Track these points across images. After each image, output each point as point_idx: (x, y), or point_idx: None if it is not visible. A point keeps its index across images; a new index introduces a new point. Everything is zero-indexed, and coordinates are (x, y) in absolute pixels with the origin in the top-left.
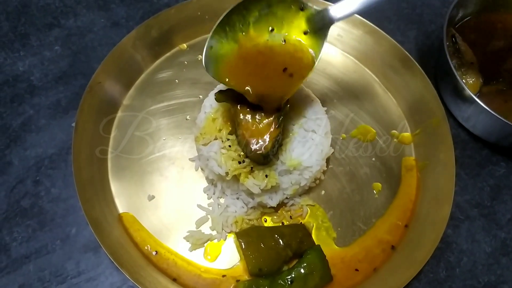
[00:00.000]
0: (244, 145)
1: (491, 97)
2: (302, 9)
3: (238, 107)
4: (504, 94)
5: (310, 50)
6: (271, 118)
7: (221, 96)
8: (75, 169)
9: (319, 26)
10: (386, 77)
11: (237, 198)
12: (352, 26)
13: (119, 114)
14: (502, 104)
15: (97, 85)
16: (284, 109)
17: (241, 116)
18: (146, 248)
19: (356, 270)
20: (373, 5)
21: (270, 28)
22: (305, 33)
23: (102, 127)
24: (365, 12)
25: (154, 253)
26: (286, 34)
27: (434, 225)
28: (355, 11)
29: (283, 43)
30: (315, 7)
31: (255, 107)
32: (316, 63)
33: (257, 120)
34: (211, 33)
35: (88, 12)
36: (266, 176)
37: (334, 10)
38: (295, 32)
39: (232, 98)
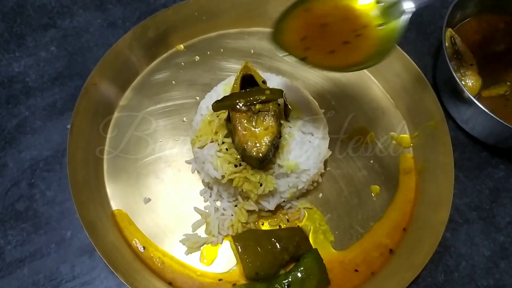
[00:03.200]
0: (240, 149)
1: (491, 100)
2: (378, 2)
3: (234, 110)
4: (504, 98)
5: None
6: (268, 122)
7: (218, 106)
8: (70, 172)
9: (395, 17)
10: (384, 78)
11: (234, 201)
12: None
13: (117, 114)
14: (502, 108)
15: (93, 86)
16: (282, 111)
17: (237, 120)
18: (133, 242)
19: (356, 270)
20: None
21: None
22: (380, 25)
23: (102, 127)
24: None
25: (141, 249)
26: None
27: (432, 228)
28: (428, 1)
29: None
30: None
31: (252, 103)
32: (391, 51)
33: (253, 124)
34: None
35: (84, 12)
36: (261, 184)
37: (408, 2)
38: (370, 25)
39: (229, 106)
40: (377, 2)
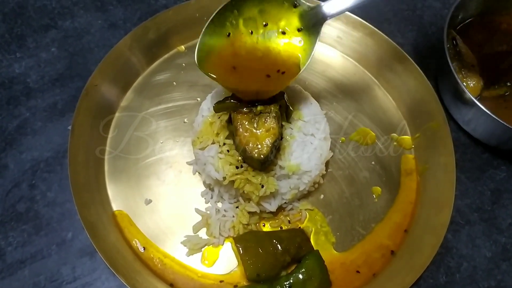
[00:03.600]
0: (241, 150)
1: (492, 101)
2: (295, 6)
3: (236, 112)
4: (504, 99)
5: (299, 43)
6: (269, 124)
7: (219, 107)
8: (71, 173)
9: (313, 23)
10: (386, 79)
11: (235, 203)
12: (352, 28)
13: (118, 114)
14: (503, 109)
15: (93, 87)
16: (283, 112)
17: (239, 122)
18: (134, 242)
19: (357, 272)
20: (366, 2)
21: (264, 23)
22: (299, 30)
23: (102, 127)
24: (361, 12)
25: (142, 249)
26: (280, 30)
27: (434, 229)
28: (347, 8)
29: (276, 40)
30: (308, 3)
31: (253, 104)
32: (308, 60)
33: (254, 125)
34: (202, 32)
35: (85, 13)
36: (262, 186)
37: (327, 7)
38: (289, 28)
39: (230, 108)
40: (294, 6)
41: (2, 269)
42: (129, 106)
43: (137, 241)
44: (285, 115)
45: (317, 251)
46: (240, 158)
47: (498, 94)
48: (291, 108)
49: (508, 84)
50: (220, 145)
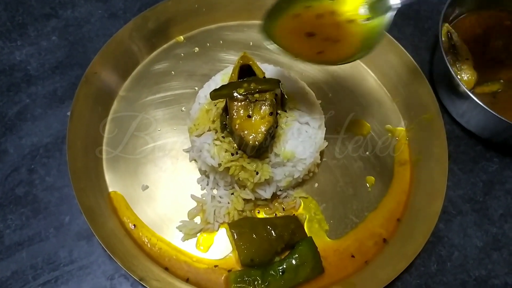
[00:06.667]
0: (236, 137)
1: (482, 98)
2: None
3: (232, 99)
4: (494, 95)
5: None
6: (265, 111)
7: (216, 94)
8: (69, 159)
9: (381, 12)
10: (381, 72)
11: (230, 190)
12: None
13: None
14: (489, 105)
15: (93, 75)
16: (279, 101)
17: (234, 109)
18: (125, 219)
19: (352, 256)
20: None
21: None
22: (368, 19)
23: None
24: None
25: (132, 226)
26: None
27: (426, 219)
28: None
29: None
30: None
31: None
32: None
33: (250, 113)
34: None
35: (86, 3)
36: (257, 173)
37: None
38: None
39: (227, 95)
40: None
41: (1, 251)
42: (128, 94)
43: (128, 218)
44: (281, 103)
45: (310, 237)
46: (235, 145)
47: (491, 91)
48: (286, 96)
49: (501, 81)
50: (216, 132)
